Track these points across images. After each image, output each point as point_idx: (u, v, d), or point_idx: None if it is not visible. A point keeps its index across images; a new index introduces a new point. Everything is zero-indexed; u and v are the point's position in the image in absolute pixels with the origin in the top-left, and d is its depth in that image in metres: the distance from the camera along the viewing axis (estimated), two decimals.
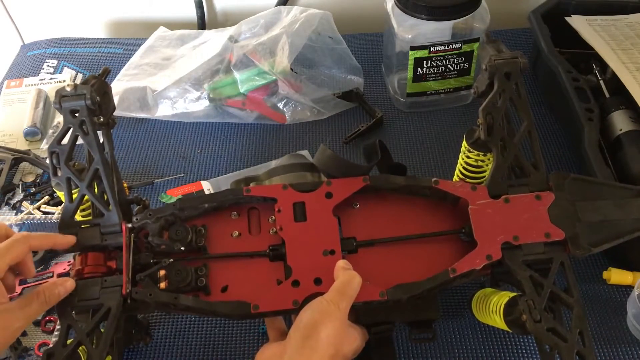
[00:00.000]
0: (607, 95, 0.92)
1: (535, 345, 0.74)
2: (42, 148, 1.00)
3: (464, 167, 0.75)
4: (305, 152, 0.96)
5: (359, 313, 0.64)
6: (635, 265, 0.79)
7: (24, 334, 0.77)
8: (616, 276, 0.79)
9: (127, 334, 0.71)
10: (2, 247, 0.59)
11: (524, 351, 0.74)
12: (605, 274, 0.80)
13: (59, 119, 1.05)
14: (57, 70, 1.15)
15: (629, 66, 0.91)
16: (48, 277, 0.82)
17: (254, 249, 0.67)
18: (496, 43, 0.71)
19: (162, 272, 0.63)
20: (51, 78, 1.13)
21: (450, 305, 0.78)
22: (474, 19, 0.95)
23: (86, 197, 0.67)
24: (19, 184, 0.95)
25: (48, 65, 1.16)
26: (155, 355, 0.75)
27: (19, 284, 0.81)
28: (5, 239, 0.61)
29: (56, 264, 0.84)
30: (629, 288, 0.78)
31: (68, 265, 0.83)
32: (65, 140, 0.67)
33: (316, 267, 0.63)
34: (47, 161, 0.68)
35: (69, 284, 0.61)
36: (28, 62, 1.18)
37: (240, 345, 0.76)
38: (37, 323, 0.78)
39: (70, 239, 0.64)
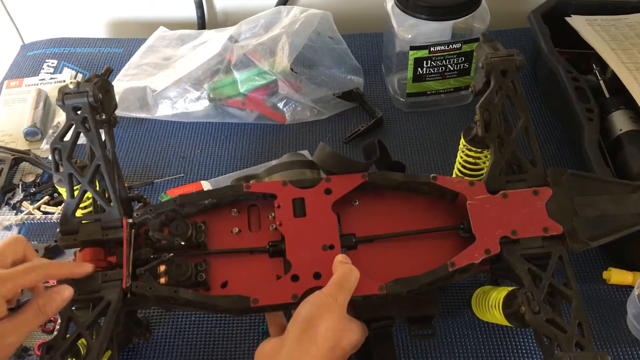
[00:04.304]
0: (607, 95, 0.93)
1: (535, 344, 0.75)
2: (42, 148, 1.02)
3: (462, 165, 0.76)
4: (305, 152, 0.97)
5: (358, 308, 0.65)
6: (635, 265, 0.80)
7: None
8: (616, 276, 0.80)
9: (127, 332, 0.72)
10: (20, 270, 0.57)
11: (524, 351, 0.74)
12: (605, 274, 0.81)
13: (59, 119, 1.06)
14: (57, 70, 1.16)
15: (629, 66, 0.92)
16: None
17: (254, 245, 0.68)
18: (493, 42, 0.72)
19: (162, 268, 0.65)
20: (51, 78, 1.14)
21: (451, 304, 0.79)
22: (474, 19, 0.96)
23: (87, 194, 0.68)
24: (19, 184, 0.96)
25: (48, 65, 1.17)
26: (156, 354, 0.76)
27: None
28: (22, 257, 0.60)
29: None
30: (629, 288, 0.79)
31: None
32: (67, 137, 0.68)
33: (315, 262, 0.64)
34: (50, 157, 0.69)
35: (67, 292, 0.59)
36: (28, 62, 1.19)
37: (240, 345, 0.77)
38: None
39: (87, 267, 0.63)
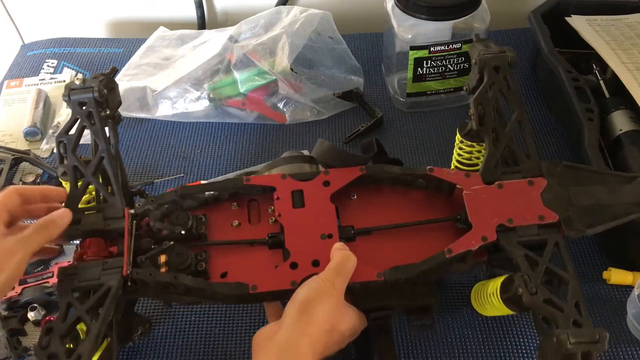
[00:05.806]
0: (607, 95, 0.95)
1: (535, 344, 0.76)
2: (42, 148, 1.04)
3: (458, 161, 0.79)
4: (305, 152, 1.00)
5: (357, 297, 0.66)
6: (635, 265, 0.82)
7: (24, 334, 0.80)
8: (616, 276, 0.81)
9: (127, 326, 0.74)
10: (27, 236, 0.62)
11: (524, 351, 0.76)
12: (605, 274, 0.82)
13: (59, 119, 1.08)
14: (57, 70, 1.19)
15: (629, 66, 0.94)
16: (48, 277, 0.84)
17: (254, 237, 0.71)
18: (485, 41, 0.75)
19: (163, 259, 0.66)
20: (51, 78, 1.16)
21: (450, 303, 0.81)
22: (474, 19, 0.98)
23: (90, 189, 0.71)
24: (19, 184, 0.97)
25: (48, 65, 1.20)
26: (156, 354, 0.78)
27: (19, 284, 0.83)
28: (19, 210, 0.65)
29: (56, 263, 0.86)
30: (629, 288, 0.81)
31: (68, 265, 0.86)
32: (72, 131, 0.72)
33: (314, 250, 0.66)
34: (50, 156, 0.72)
35: (65, 213, 0.65)
36: (28, 62, 1.21)
37: (241, 345, 0.79)
38: (37, 323, 0.80)
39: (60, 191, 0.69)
